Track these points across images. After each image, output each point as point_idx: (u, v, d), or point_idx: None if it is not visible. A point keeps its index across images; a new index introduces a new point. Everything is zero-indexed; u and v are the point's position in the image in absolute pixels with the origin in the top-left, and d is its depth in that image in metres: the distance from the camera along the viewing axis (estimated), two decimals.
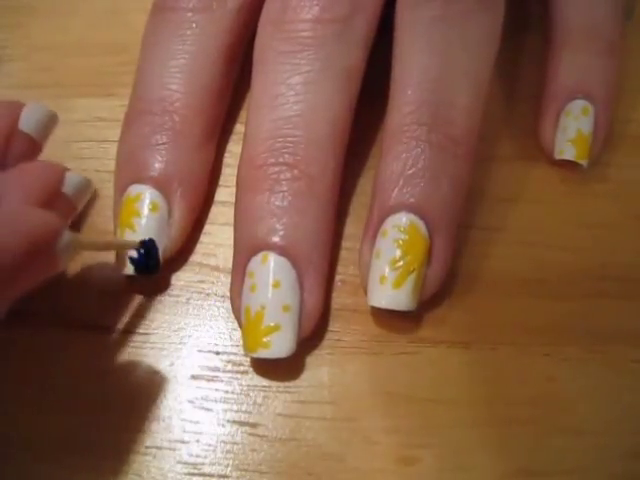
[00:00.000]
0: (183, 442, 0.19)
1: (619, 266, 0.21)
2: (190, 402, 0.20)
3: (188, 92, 0.21)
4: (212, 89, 0.22)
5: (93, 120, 0.24)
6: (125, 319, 0.21)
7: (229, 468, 0.19)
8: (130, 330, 0.21)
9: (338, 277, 0.21)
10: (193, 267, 0.22)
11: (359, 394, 0.20)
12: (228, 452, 0.19)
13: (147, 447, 0.19)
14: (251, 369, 0.20)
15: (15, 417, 0.20)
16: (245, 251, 0.20)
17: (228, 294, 0.20)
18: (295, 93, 0.20)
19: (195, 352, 0.20)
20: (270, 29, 0.21)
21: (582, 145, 0.22)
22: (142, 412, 0.19)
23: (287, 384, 0.20)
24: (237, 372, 0.20)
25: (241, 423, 0.19)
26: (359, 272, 0.21)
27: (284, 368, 0.20)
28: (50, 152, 0.20)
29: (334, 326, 0.21)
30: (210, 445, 0.19)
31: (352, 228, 0.22)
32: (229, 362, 0.20)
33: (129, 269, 0.20)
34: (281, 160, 0.20)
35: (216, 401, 0.20)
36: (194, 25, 0.22)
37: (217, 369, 0.20)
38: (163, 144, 0.21)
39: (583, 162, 0.22)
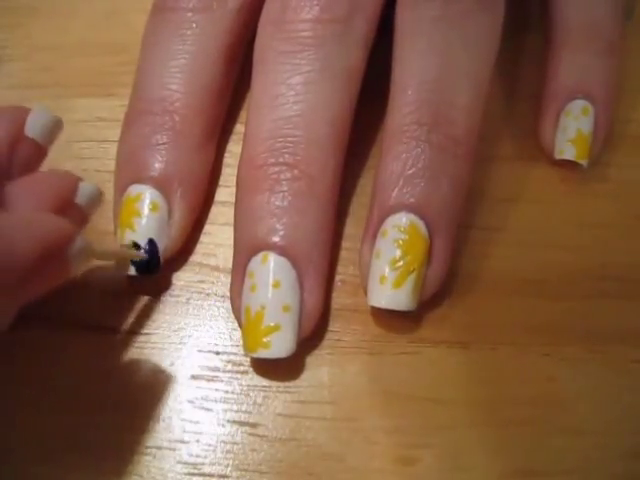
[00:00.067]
0: (183, 442, 0.19)
1: (619, 266, 0.21)
2: (190, 402, 0.20)
3: (188, 92, 0.21)
4: (212, 89, 0.22)
5: (93, 120, 0.24)
6: (125, 319, 0.21)
7: (229, 468, 0.19)
8: (130, 330, 0.21)
9: (338, 277, 0.21)
10: (193, 267, 0.22)
11: (359, 394, 0.20)
12: (228, 452, 0.19)
13: (147, 447, 0.19)
14: (251, 369, 0.20)
15: (15, 417, 0.20)
16: (245, 251, 0.20)
17: (228, 294, 0.20)
18: (295, 93, 0.20)
19: (195, 352, 0.20)
20: (270, 29, 0.21)
21: (582, 145, 0.22)
22: (142, 412, 0.19)
23: (287, 384, 0.20)
24: (237, 372, 0.20)
25: (241, 423, 0.19)
26: (359, 272, 0.21)
27: (284, 368, 0.20)
28: (51, 152, 0.20)
29: (334, 326, 0.21)
30: (210, 445, 0.19)
31: (352, 228, 0.22)
32: (229, 362, 0.20)
33: (130, 269, 0.20)
34: (281, 160, 0.20)
35: (216, 401, 0.20)
36: (194, 25, 0.22)
37: (217, 369, 0.20)
38: (163, 144, 0.21)
39: (583, 162, 0.22)
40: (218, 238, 0.22)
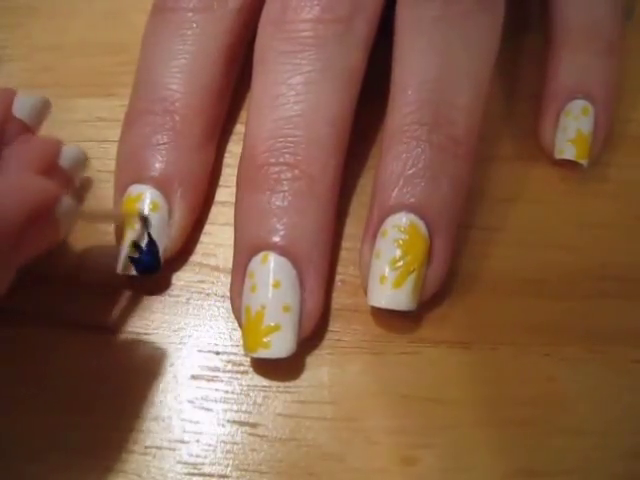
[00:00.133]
0: (183, 442, 0.19)
1: (619, 266, 0.21)
2: (190, 402, 0.20)
3: (188, 92, 0.21)
4: (212, 89, 0.22)
5: (93, 120, 0.24)
6: (125, 319, 0.21)
7: (229, 468, 0.19)
8: (130, 330, 0.21)
9: (338, 277, 0.21)
10: (193, 267, 0.22)
11: (359, 394, 0.20)
12: (228, 452, 0.19)
13: (147, 447, 0.19)
14: (251, 369, 0.20)
15: (15, 417, 0.20)
16: (245, 251, 0.20)
17: (228, 294, 0.20)
18: (296, 93, 0.20)
19: (195, 352, 0.20)
20: (270, 29, 0.21)
21: (582, 145, 0.22)
22: (142, 412, 0.19)
23: (287, 384, 0.20)
24: (237, 372, 0.20)
25: (241, 423, 0.19)
26: (359, 272, 0.21)
27: (284, 368, 0.20)
28: None
29: (334, 326, 0.21)
30: (210, 445, 0.19)
31: (352, 228, 0.22)
32: (229, 362, 0.20)
33: (130, 269, 0.20)
34: (282, 160, 0.20)
35: (216, 401, 0.20)
36: (194, 25, 0.22)
37: (217, 369, 0.20)
38: (164, 144, 0.21)
39: (583, 162, 0.22)
40: (218, 238, 0.22)
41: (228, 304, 0.21)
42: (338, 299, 0.21)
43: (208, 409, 0.20)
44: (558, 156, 0.22)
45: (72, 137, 0.24)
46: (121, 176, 0.22)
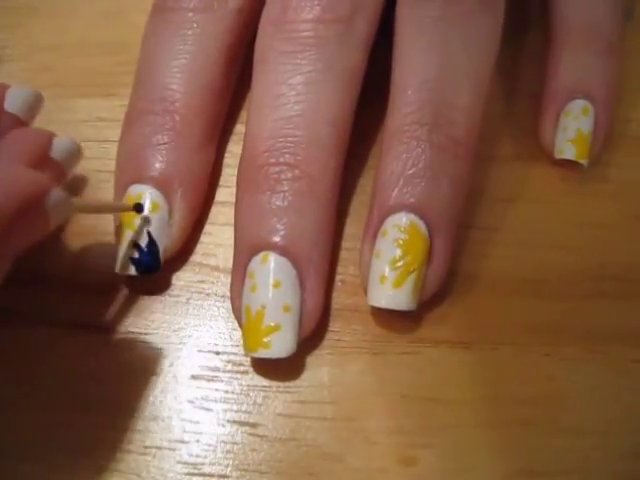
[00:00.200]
0: (183, 442, 0.19)
1: (618, 266, 0.21)
2: (190, 402, 0.20)
3: (189, 92, 0.21)
4: (213, 89, 0.22)
5: (93, 120, 0.24)
6: (125, 319, 0.21)
7: (229, 468, 0.19)
8: (130, 330, 0.21)
9: (338, 277, 0.21)
10: (193, 267, 0.22)
11: (359, 394, 0.20)
12: (228, 452, 0.19)
13: (147, 447, 0.19)
14: (251, 369, 0.20)
15: (15, 417, 0.20)
16: (245, 251, 0.20)
17: (228, 294, 0.20)
18: (296, 93, 0.20)
19: (195, 352, 0.20)
20: (271, 29, 0.21)
21: (582, 145, 0.22)
22: (142, 412, 0.19)
23: (287, 384, 0.20)
24: (237, 372, 0.20)
25: (241, 423, 0.19)
26: (359, 272, 0.21)
27: (284, 368, 0.20)
28: None
29: (334, 326, 0.21)
30: (210, 445, 0.19)
31: (352, 228, 0.22)
32: (229, 362, 0.20)
33: (130, 269, 0.20)
34: (282, 160, 0.20)
35: (216, 401, 0.20)
36: (195, 25, 0.22)
37: (217, 369, 0.20)
38: (164, 144, 0.21)
39: (583, 162, 0.22)
40: (218, 238, 0.22)
41: (228, 304, 0.21)
42: (338, 299, 0.21)
43: (208, 409, 0.20)
44: (558, 156, 0.22)
45: (72, 137, 0.24)
46: (121, 176, 0.22)
